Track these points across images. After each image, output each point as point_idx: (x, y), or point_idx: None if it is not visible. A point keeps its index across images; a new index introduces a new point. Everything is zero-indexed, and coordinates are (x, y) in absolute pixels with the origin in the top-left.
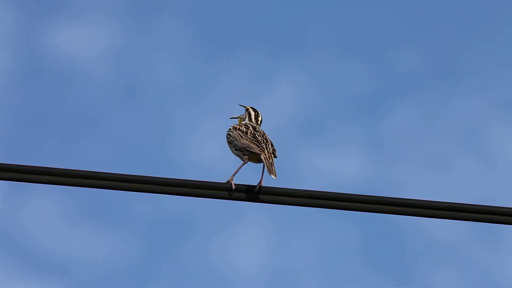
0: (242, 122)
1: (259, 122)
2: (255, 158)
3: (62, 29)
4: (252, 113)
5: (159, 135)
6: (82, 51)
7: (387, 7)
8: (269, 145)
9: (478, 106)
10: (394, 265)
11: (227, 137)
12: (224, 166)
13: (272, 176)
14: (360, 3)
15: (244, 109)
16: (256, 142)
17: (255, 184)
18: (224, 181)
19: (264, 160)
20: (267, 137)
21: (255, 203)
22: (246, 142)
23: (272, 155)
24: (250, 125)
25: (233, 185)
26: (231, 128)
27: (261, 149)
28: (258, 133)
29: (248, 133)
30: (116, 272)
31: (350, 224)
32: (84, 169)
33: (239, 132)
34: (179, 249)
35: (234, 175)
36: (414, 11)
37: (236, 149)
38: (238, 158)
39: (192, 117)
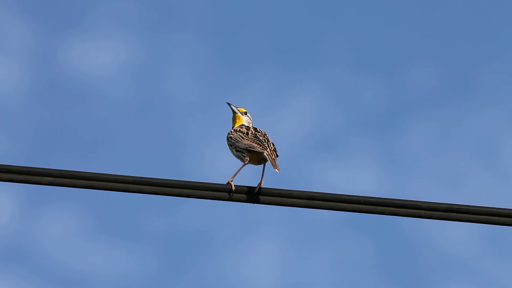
0: (243, 123)
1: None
2: (255, 159)
3: (79, 44)
4: (249, 116)
5: (175, 150)
6: (100, 66)
7: (404, 22)
8: (271, 144)
9: (493, 121)
10: (409, 279)
11: (227, 140)
12: (237, 179)
13: (276, 170)
14: (377, 18)
15: (231, 109)
16: (257, 141)
17: (255, 186)
18: (224, 182)
19: (267, 157)
20: (268, 137)
21: (255, 204)
22: (248, 142)
23: (274, 153)
24: (251, 125)
25: (233, 186)
26: (231, 131)
27: (263, 147)
28: (259, 133)
29: (249, 133)
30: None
31: (365, 237)
32: (83, 170)
33: (240, 134)
34: (194, 264)
35: (234, 176)
36: (430, 27)
37: (236, 151)
38: (238, 159)
39: (207, 131)
